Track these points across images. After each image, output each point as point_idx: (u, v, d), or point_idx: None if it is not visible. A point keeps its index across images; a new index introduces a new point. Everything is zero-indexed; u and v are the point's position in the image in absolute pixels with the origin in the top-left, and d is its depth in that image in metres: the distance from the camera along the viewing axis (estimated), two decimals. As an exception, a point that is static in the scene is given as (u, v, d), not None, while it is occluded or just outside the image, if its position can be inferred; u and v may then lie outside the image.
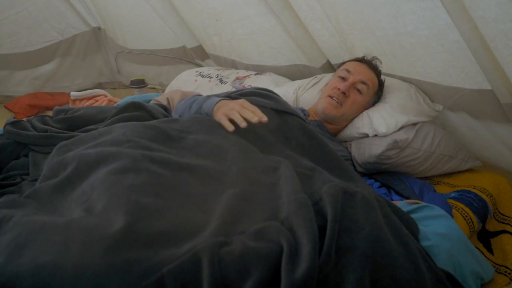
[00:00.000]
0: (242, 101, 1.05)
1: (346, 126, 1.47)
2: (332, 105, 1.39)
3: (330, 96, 1.39)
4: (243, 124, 0.96)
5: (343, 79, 1.40)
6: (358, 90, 1.39)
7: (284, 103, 1.19)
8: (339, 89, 1.37)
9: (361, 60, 1.44)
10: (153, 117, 1.17)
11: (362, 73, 1.39)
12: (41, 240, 0.60)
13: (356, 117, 1.45)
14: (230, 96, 1.19)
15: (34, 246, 0.59)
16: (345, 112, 1.40)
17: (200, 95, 1.39)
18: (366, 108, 1.45)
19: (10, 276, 0.54)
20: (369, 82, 1.39)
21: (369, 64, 1.43)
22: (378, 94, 1.45)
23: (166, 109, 1.31)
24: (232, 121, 1.01)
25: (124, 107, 1.18)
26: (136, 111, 1.18)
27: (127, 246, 0.59)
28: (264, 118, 0.98)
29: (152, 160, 0.82)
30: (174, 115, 1.26)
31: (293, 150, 1.03)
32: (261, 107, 1.12)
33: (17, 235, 0.61)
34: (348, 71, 1.41)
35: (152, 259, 0.57)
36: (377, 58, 1.44)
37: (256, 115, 0.98)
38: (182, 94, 1.58)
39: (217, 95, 1.22)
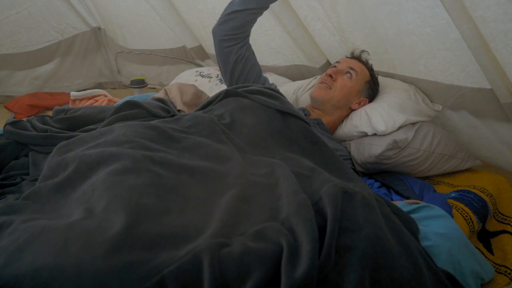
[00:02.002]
0: None
1: (341, 117, 1.49)
2: (320, 88, 1.45)
3: (320, 83, 1.47)
4: None
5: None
6: (347, 76, 1.43)
7: (289, 105, 1.19)
8: (326, 74, 1.45)
9: (352, 57, 1.50)
10: (149, 112, 1.17)
11: (350, 62, 1.46)
12: (41, 242, 0.59)
13: (351, 110, 1.48)
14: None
15: (33, 248, 0.58)
16: (334, 95, 1.43)
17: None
18: (360, 100, 1.46)
19: (10, 278, 0.54)
20: (358, 69, 1.44)
21: (359, 59, 1.49)
22: (370, 85, 1.47)
23: (163, 102, 1.31)
24: None
25: (119, 107, 1.17)
26: (133, 110, 1.18)
27: (128, 248, 0.59)
28: None
29: (153, 161, 0.82)
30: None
31: (294, 152, 1.03)
32: (266, 107, 1.12)
33: (16, 239, 0.60)
34: (337, 62, 1.50)
35: (153, 261, 0.57)
36: (364, 51, 1.48)
37: None
38: (180, 86, 1.57)
39: None
